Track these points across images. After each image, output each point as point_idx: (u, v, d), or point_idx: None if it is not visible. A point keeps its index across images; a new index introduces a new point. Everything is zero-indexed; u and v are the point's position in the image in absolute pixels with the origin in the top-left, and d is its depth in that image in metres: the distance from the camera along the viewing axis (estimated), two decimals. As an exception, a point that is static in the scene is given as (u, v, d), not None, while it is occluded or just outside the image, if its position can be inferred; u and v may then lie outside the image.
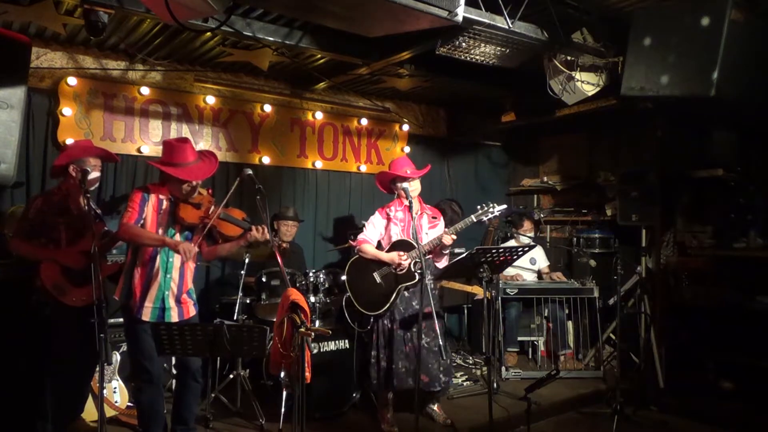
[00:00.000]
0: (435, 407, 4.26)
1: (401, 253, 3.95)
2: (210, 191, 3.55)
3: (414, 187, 4.04)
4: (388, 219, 4.13)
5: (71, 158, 3.48)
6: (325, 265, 5.72)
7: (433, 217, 4.19)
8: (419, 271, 3.86)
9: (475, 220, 3.94)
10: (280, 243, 4.99)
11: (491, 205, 3.91)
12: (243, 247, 4.30)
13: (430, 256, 4.05)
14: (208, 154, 3.49)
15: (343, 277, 4.21)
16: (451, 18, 2.97)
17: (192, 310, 3.48)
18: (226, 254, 3.66)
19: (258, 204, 3.31)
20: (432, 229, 4.12)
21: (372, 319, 4.09)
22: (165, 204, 3.36)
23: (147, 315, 3.28)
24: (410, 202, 3.88)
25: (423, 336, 3.86)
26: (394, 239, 4.08)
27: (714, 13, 3.51)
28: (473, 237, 6.11)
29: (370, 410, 4.29)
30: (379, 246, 4.13)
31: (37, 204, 3.46)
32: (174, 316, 3.36)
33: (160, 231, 3.33)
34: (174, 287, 3.37)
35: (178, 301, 3.39)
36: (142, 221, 3.29)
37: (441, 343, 3.62)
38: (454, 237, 3.92)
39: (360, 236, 4.15)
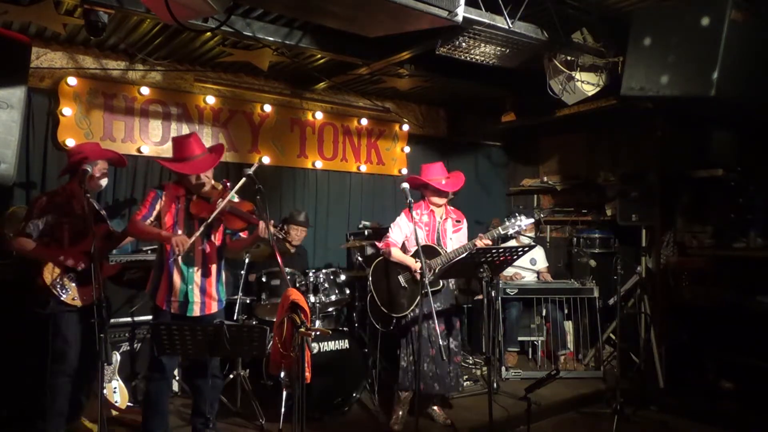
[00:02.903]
0: (435, 407, 4.26)
1: (430, 264, 3.89)
2: (227, 181, 3.55)
3: (440, 199, 4.09)
4: (414, 222, 4.07)
5: (84, 160, 3.47)
6: (325, 265, 5.72)
7: (457, 221, 4.20)
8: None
9: (502, 233, 3.93)
10: (286, 242, 4.96)
11: (519, 217, 3.89)
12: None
13: None
14: (217, 147, 3.60)
15: (369, 279, 4.21)
16: (451, 18, 2.97)
17: (214, 307, 3.50)
18: (241, 249, 3.72)
19: (258, 204, 3.33)
20: (456, 233, 4.14)
21: (395, 321, 4.09)
22: (181, 201, 3.45)
23: (174, 308, 3.38)
24: (409, 203, 3.81)
25: (449, 339, 3.95)
26: (418, 243, 4.05)
27: (714, 13, 3.51)
28: (473, 237, 6.10)
29: (370, 410, 4.29)
30: (403, 248, 4.14)
31: (41, 203, 3.46)
32: (196, 311, 3.42)
33: (179, 228, 3.40)
34: (198, 280, 3.42)
35: (204, 293, 3.43)
36: (151, 218, 3.40)
37: (440, 344, 3.63)
38: (489, 242, 3.89)
39: (385, 239, 4.15)
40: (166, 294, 3.39)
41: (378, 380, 4.55)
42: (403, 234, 4.14)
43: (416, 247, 4.01)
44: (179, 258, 3.32)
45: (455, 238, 4.12)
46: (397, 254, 4.08)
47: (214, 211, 3.33)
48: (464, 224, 4.23)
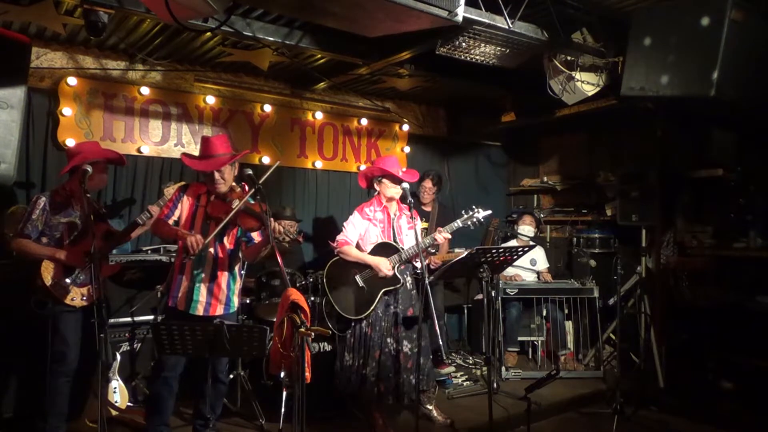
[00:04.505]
0: (432, 408, 4.23)
1: (389, 261, 3.85)
2: (245, 185, 3.53)
3: (397, 190, 3.96)
4: (368, 219, 4.01)
5: (84, 160, 3.47)
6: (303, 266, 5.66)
7: (411, 218, 4.15)
8: (407, 273, 3.85)
9: (460, 225, 3.89)
10: (296, 239, 4.94)
11: (476, 210, 3.87)
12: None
13: (415, 259, 3.92)
14: (241, 152, 3.66)
15: (324, 280, 4.04)
16: (451, 18, 2.97)
17: (219, 310, 3.49)
18: (257, 253, 3.67)
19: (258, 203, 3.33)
20: (411, 230, 4.05)
21: (353, 324, 3.95)
22: (202, 199, 3.50)
23: (178, 304, 3.41)
24: (410, 203, 3.76)
25: (404, 342, 3.85)
26: (372, 241, 3.96)
27: (714, 13, 3.52)
28: (474, 236, 6.11)
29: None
30: (357, 247, 4.00)
31: (41, 203, 3.46)
32: (199, 310, 3.42)
33: (197, 225, 3.44)
34: (206, 281, 3.44)
35: (210, 294, 3.45)
36: (173, 217, 3.48)
37: (441, 343, 3.63)
38: (448, 236, 3.88)
39: (340, 237, 3.99)
40: (175, 290, 3.43)
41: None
42: (358, 232, 3.99)
43: (372, 246, 3.96)
44: (192, 257, 3.31)
45: (410, 235, 4.02)
46: (353, 252, 3.93)
47: (230, 212, 3.32)
48: (417, 222, 4.12)
